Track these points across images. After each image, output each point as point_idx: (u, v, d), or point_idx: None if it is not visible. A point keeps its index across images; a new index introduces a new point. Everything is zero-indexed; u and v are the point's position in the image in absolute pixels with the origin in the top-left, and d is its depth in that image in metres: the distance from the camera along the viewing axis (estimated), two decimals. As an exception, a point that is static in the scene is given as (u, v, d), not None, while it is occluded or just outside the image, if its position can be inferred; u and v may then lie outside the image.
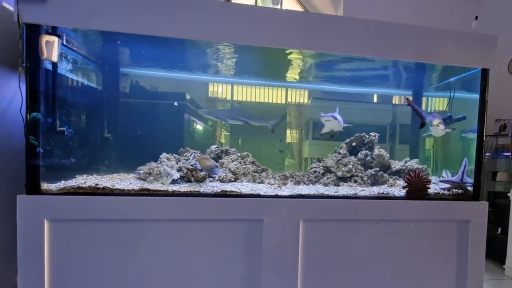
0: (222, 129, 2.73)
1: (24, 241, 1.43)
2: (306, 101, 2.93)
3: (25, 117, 1.42)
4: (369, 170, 2.11)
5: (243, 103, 2.71)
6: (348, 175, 2.08)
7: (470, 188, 1.88)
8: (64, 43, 1.66)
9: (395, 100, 3.08)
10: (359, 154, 2.23)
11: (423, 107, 2.73)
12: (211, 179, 1.92)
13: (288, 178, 2.13)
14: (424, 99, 2.74)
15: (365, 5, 4.39)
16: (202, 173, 1.84)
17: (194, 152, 1.95)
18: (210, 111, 2.33)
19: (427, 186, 1.85)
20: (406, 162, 2.31)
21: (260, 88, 2.82)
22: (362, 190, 1.89)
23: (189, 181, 1.82)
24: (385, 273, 1.77)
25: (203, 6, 1.52)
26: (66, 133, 1.67)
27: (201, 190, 1.67)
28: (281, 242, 1.63)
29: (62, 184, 1.58)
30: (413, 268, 1.80)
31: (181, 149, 2.13)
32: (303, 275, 1.67)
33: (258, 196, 1.68)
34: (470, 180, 1.87)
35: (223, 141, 2.64)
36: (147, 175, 1.76)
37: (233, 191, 1.69)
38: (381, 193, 1.85)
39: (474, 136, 1.89)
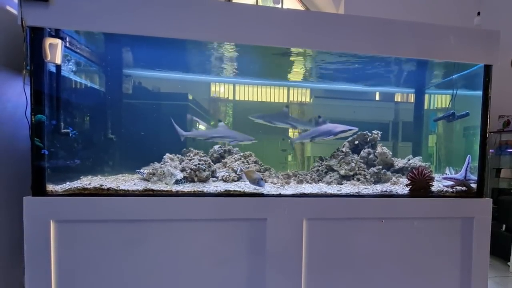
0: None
1: (31, 242, 1.45)
2: (308, 99, 2.94)
3: (30, 119, 1.44)
4: (372, 168, 2.11)
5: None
6: (351, 173, 2.08)
7: (473, 185, 1.87)
8: (68, 45, 1.68)
9: (397, 98, 3.07)
10: (361, 152, 2.23)
11: (426, 105, 2.72)
12: (214, 179, 1.94)
13: (291, 177, 2.13)
14: (426, 96, 2.74)
15: (366, 3, 4.37)
16: (206, 173, 1.85)
17: (241, 166, 2.00)
18: (260, 115, 2.34)
19: (431, 183, 1.85)
20: (409, 160, 2.31)
21: (261, 88, 2.82)
22: (365, 189, 1.89)
23: (192, 181, 1.84)
24: (389, 271, 1.77)
25: (205, 6, 1.53)
26: (70, 134, 1.69)
27: (205, 190, 1.68)
28: (285, 241, 1.64)
29: (67, 185, 1.59)
30: (417, 265, 1.80)
31: (184, 149, 2.14)
32: (307, 273, 1.68)
33: (261, 195, 1.68)
34: (473, 177, 1.87)
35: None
36: (151, 175, 1.77)
37: (236, 191, 1.70)
38: (384, 191, 1.85)
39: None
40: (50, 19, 1.41)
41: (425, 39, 1.71)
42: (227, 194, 1.68)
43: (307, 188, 1.85)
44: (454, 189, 1.90)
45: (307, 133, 2.30)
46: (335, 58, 1.97)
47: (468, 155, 1.88)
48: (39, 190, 1.47)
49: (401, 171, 2.23)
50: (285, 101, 2.91)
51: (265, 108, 2.80)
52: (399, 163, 2.28)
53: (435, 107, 2.88)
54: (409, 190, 1.86)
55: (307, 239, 1.67)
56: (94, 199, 1.51)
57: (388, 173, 2.13)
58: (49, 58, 1.43)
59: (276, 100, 2.89)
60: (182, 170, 1.84)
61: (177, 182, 1.77)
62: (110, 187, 1.59)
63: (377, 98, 3.08)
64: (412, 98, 2.81)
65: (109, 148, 2.18)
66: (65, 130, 1.66)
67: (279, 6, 4.42)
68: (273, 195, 1.69)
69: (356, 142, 2.30)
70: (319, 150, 2.52)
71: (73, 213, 1.48)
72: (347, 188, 1.91)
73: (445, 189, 1.90)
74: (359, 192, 1.81)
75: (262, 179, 1.71)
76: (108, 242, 1.53)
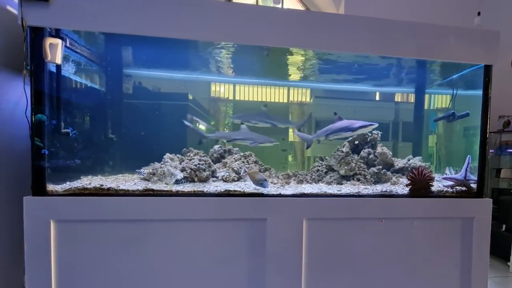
0: (225, 129, 2.74)
1: (31, 241, 1.45)
2: (308, 99, 2.94)
3: (30, 119, 1.44)
4: (372, 168, 2.11)
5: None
6: (351, 173, 2.08)
7: (473, 185, 1.87)
8: (68, 45, 1.68)
9: (397, 98, 3.07)
10: (361, 153, 2.23)
11: (426, 105, 2.73)
12: (214, 179, 1.94)
13: (291, 177, 2.14)
14: (426, 96, 2.74)
15: (366, 3, 4.37)
16: (206, 173, 1.85)
17: (245, 166, 2.01)
18: (239, 116, 2.34)
19: (431, 183, 1.85)
20: (409, 160, 2.31)
21: (262, 88, 2.82)
22: (365, 189, 1.89)
23: (192, 181, 1.84)
24: (389, 271, 1.77)
25: (205, 6, 1.53)
26: (70, 134, 1.69)
27: (205, 190, 1.68)
28: (285, 241, 1.64)
29: (67, 185, 1.59)
30: (417, 265, 1.80)
31: (184, 149, 2.14)
32: (307, 273, 1.68)
33: (262, 195, 1.69)
34: (473, 177, 1.87)
35: (225, 140, 2.65)
36: (151, 175, 1.77)
37: (236, 191, 1.70)
38: (384, 191, 1.85)
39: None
40: (50, 19, 1.41)
41: (425, 39, 1.71)
42: (227, 194, 1.68)
43: (307, 188, 1.85)
44: (454, 189, 1.90)
45: (322, 131, 2.27)
46: (335, 58, 1.98)
47: (468, 155, 1.88)
48: (39, 190, 1.47)
49: (401, 171, 2.24)
50: (285, 100, 2.91)
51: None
52: (399, 163, 2.28)
53: (435, 107, 2.88)
54: (409, 190, 1.86)
55: (307, 239, 1.67)
56: (94, 199, 1.51)
57: (388, 173, 2.13)
58: (49, 58, 1.43)
59: (276, 100, 2.88)
60: (182, 170, 1.84)
61: (177, 182, 1.77)
62: (110, 187, 1.59)
63: (377, 98, 3.08)
64: (412, 98, 2.81)
65: (109, 148, 2.18)
66: (65, 130, 1.66)
67: (279, 6, 4.42)
68: (273, 195, 1.69)
69: (356, 142, 2.30)
70: (319, 150, 2.52)
71: (73, 213, 1.49)
72: (347, 188, 1.92)
73: (445, 189, 1.90)
74: (359, 192, 1.81)
75: (266, 180, 1.71)
76: (108, 242, 1.53)
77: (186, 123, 2.22)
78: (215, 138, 2.31)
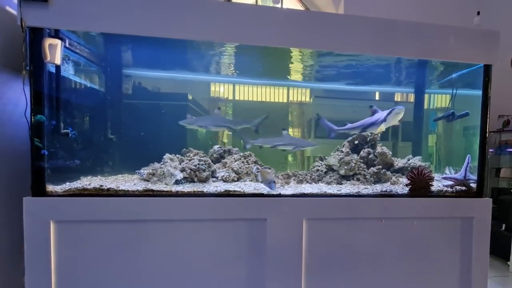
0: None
1: (31, 242, 1.45)
2: (307, 99, 2.93)
3: (30, 119, 1.44)
4: (372, 168, 2.11)
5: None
6: (351, 173, 2.08)
7: (473, 185, 1.87)
8: (67, 45, 1.67)
9: (397, 98, 3.07)
10: (361, 152, 2.23)
11: (426, 105, 2.73)
12: (214, 179, 1.94)
13: (291, 177, 2.14)
14: (426, 96, 2.74)
15: (365, 3, 4.37)
16: (206, 174, 1.85)
17: (256, 165, 2.02)
18: (191, 121, 2.29)
19: (430, 183, 1.85)
20: (409, 160, 2.31)
21: (262, 88, 2.82)
22: (365, 188, 1.89)
23: (192, 181, 1.84)
24: (389, 271, 1.77)
25: (204, 6, 1.53)
26: (70, 135, 1.69)
27: (205, 190, 1.68)
28: (285, 241, 1.64)
29: (67, 185, 1.59)
30: (416, 265, 1.80)
31: (184, 149, 2.14)
32: (307, 273, 1.68)
33: (261, 195, 1.69)
34: (473, 177, 1.87)
35: (225, 141, 2.65)
36: (150, 175, 1.77)
37: (236, 191, 1.70)
38: (384, 191, 1.85)
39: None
40: (49, 20, 1.41)
41: (425, 39, 1.71)
42: (227, 194, 1.68)
43: (307, 188, 1.85)
44: (454, 189, 1.90)
45: (358, 124, 2.16)
46: (334, 58, 1.97)
47: (468, 155, 1.88)
48: (39, 190, 1.47)
49: (401, 171, 2.24)
50: (285, 100, 2.91)
51: (265, 108, 2.80)
52: (399, 163, 2.28)
53: (434, 107, 2.88)
54: (409, 190, 1.86)
55: (307, 239, 1.67)
56: (94, 199, 1.51)
57: (388, 173, 2.13)
58: (48, 58, 1.43)
59: (276, 100, 2.88)
60: (182, 170, 1.84)
61: (177, 182, 1.77)
62: (110, 188, 1.59)
63: (377, 98, 3.08)
64: (412, 98, 2.81)
65: (109, 148, 2.18)
66: (64, 131, 1.66)
67: (279, 6, 4.42)
68: (273, 195, 1.69)
69: (356, 142, 2.30)
70: (319, 149, 2.52)
71: (73, 213, 1.49)
72: (347, 188, 1.92)
73: (445, 189, 1.90)
74: (359, 192, 1.81)
75: (274, 182, 1.71)
76: (108, 243, 1.53)
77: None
78: (259, 144, 2.31)
